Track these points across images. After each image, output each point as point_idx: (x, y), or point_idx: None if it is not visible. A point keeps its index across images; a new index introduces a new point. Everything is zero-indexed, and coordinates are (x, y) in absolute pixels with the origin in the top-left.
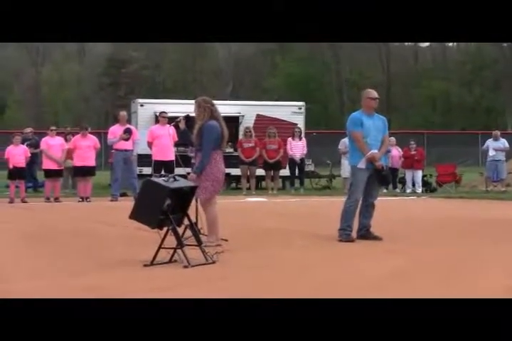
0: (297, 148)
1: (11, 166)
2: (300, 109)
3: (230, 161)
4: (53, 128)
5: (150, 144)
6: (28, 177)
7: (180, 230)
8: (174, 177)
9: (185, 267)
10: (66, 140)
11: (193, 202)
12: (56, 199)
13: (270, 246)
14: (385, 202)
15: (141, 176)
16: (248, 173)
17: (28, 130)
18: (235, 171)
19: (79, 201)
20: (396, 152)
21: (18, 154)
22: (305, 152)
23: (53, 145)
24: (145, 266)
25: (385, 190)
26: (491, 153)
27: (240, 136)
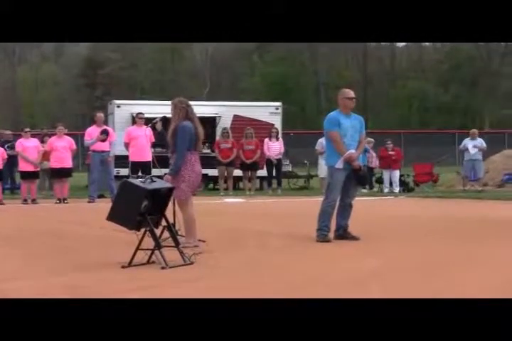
0: (274, 148)
1: None
2: (277, 109)
3: (207, 162)
4: (27, 129)
5: (127, 145)
6: (6, 179)
7: (157, 231)
8: (151, 179)
9: (163, 268)
10: (42, 141)
11: (171, 203)
12: (33, 201)
13: (248, 247)
14: (362, 202)
15: (118, 177)
16: (226, 174)
17: (7, 132)
18: (212, 172)
19: (56, 202)
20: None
21: None
22: (282, 152)
23: (28, 146)
24: (123, 267)
25: (364, 190)
26: (472, 151)
27: (218, 137)
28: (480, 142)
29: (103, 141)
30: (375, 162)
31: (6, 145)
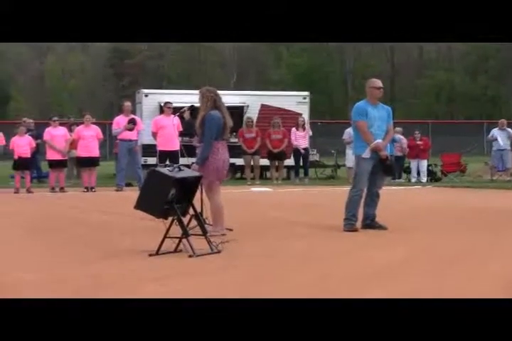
0: (301, 138)
1: (16, 157)
2: (305, 98)
3: (235, 151)
4: (55, 118)
5: (155, 134)
6: (33, 167)
7: (185, 220)
8: (179, 167)
9: (191, 256)
10: (70, 130)
11: (198, 191)
12: (61, 190)
13: (275, 236)
14: (390, 192)
15: (145, 166)
16: (252, 163)
17: (29, 120)
18: (240, 161)
19: (84, 191)
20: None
21: (23, 144)
22: (307, 142)
23: (56, 135)
24: (150, 255)
25: (399, 180)
26: (502, 142)
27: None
28: (508, 132)
29: (130, 130)
30: (406, 149)
31: (27, 134)
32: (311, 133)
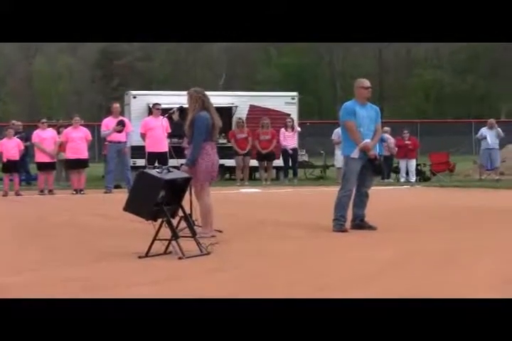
0: (290, 138)
1: (4, 159)
2: (293, 99)
3: (223, 152)
4: (44, 120)
5: (143, 136)
6: (21, 170)
7: (174, 222)
8: (168, 169)
9: (180, 258)
10: (58, 132)
11: (188, 193)
12: (50, 192)
13: (264, 237)
14: (379, 192)
15: (134, 168)
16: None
17: (18, 123)
18: (228, 162)
19: (73, 193)
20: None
21: (11, 147)
22: (296, 142)
23: (45, 138)
24: (140, 257)
25: (388, 180)
26: (490, 141)
27: (233, 127)
28: (497, 131)
29: (119, 131)
30: (394, 149)
31: (16, 136)
32: (299, 129)
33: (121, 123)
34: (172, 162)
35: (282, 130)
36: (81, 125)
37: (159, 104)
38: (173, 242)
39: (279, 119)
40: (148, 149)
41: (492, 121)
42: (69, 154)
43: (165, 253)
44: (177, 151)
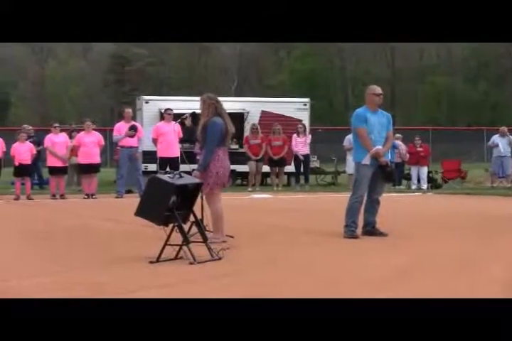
0: (301, 144)
1: (16, 163)
2: (305, 105)
3: (235, 158)
4: (56, 125)
5: (155, 141)
6: (33, 174)
7: (185, 227)
8: (180, 174)
9: (191, 264)
10: (70, 137)
11: (199, 198)
12: (62, 196)
13: (275, 242)
14: (390, 199)
15: (146, 173)
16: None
17: (29, 127)
18: (240, 168)
19: (84, 198)
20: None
21: (23, 151)
22: (307, 148)
23: (58, 142)
24: (151, 262)
25: (399, 186)
26: (503, 149)
27: (246, 133)
28: (509, 139)
29: (131, 136)
30: (405, 156)
31: (28, 140)
32: (309, 140)
33: (134, 128)
34: (184, 167)
35: (294, 136)
36: (93, 129)
37: (171, 110)
38: (184, 247)
39: (291, 125)
40: (159, 154)
41: (504, 128)
42: (81, 159)
43: (176, 258)
44: (188, 156)
